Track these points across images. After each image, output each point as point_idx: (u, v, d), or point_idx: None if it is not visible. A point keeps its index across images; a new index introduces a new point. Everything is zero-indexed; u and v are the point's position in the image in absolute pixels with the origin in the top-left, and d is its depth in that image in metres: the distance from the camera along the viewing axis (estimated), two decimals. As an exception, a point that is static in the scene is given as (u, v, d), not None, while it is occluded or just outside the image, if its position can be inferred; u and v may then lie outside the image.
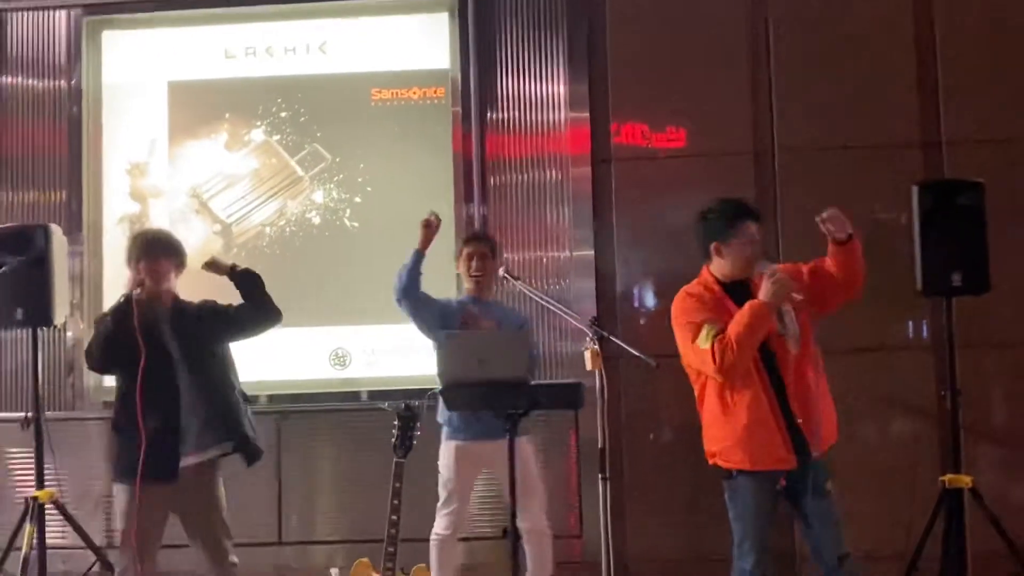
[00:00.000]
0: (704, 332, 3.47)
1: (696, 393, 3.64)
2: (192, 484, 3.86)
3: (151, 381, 3.79)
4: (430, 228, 4.38)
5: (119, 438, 3.91)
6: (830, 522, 3.50)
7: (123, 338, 3.79)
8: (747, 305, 3.43)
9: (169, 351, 3.88)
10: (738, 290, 3.54)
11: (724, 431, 3.54)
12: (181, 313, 3.97)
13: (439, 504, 4.36)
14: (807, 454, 3.45)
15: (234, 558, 3.94)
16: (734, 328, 3.42)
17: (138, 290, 3.86)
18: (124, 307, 3.82)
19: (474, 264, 4.47)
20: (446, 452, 4.35)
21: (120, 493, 3.86)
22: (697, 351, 3.48)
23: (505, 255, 5.12)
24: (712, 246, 3.60)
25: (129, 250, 4.01)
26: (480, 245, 4.53)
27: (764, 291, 3.41)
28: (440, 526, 4.33)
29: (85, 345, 4.27)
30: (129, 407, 3.79)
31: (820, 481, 3.49)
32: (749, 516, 3.53)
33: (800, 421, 3.44)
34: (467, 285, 4.53)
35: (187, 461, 3.84)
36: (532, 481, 4.25)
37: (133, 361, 3.78)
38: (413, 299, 4.38)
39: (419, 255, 4.36)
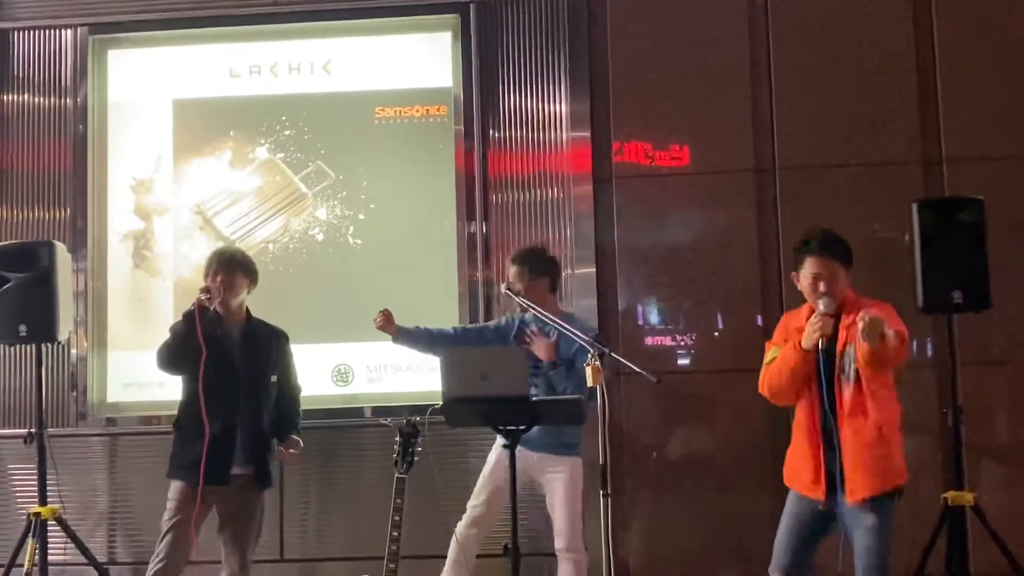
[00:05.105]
0: (769, 353, 3.68)
1: None
2: (237, 493, 4.12)
3: (213, 388, 4.03)
4: None
5: (179, 436, 4.18)
6: (863, 561, 3.51)
7: (191, 342, 4.03)
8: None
9: (235, 363, 4.15)
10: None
11: (791, 445, 3.69)
12: (254, 334, 4.28)
13: None
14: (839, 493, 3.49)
15: None
16: (776, 361, 3.60)
17: (205, 296, 4.09)
18: (193, 313, 4.06)
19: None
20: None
21: (174, 488, 4.11)
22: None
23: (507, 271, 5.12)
24: (792, 275, 3.74)
25: (208, 262, 4.27)
26: (513, 264, 4.47)
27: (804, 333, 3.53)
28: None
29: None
30: (193, 409, 4.05)
31: (863, 519, 3.47)
32: (781, 529, 3.65)
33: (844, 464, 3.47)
34: None
35: (235, 471, 4.10)
36: (568, 502, 4.24)
37: (197, 365, 4.02)
38: (444, 346, 4.32)
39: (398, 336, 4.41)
